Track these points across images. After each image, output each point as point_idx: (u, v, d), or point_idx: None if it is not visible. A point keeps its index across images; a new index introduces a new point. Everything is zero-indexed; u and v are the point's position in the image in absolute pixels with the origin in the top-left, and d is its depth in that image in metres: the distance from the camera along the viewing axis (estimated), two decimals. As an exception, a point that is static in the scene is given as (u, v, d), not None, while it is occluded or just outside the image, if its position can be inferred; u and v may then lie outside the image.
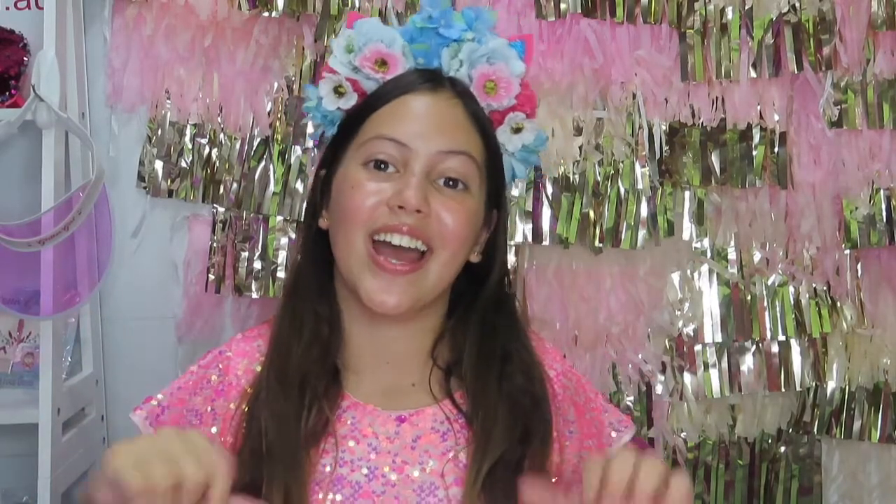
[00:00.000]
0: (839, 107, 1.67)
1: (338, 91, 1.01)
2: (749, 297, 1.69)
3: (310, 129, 1.67)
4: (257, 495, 0.89)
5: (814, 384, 1.70)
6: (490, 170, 1.00)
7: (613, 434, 1.05)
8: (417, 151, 0.95)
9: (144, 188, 1.71)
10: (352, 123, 1.00)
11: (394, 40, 1.00)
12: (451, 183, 0.96)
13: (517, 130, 1.03)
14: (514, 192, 1.66)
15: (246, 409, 0.96)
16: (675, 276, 1.70)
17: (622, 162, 1.67)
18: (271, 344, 0.99)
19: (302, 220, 1.10)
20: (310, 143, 1.68)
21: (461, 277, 1.01)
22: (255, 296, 1.69)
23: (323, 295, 1.01)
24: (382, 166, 0.96)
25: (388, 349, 1.01)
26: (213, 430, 0.97)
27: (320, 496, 0.92)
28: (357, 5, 1.65)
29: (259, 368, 0.99)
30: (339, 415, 0.96)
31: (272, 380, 0.95)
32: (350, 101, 1.01)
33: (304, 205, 1.09)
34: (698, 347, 1.70)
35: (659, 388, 1.69)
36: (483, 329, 1.01)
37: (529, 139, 1.04)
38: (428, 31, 1.00)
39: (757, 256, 1.70)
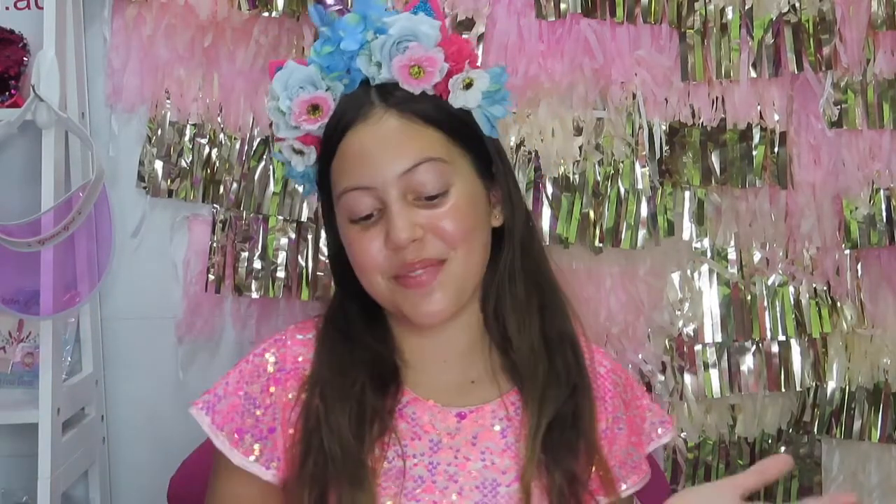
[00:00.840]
0: (839, 107, 1.67)
1: (297, 151, 1.00)
2: (749, 297, 1.69)
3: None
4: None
5: (814, 384, 1.70)
6: (462, 143, 0.97)
7: (659, 431, 1.07)
8: (382, 186, 0.93)
9: (144, 188, 1.71)
10: (322, 178, 1.00)
11: (312, 79, 0.96)
12: (432, 196, 0.94)
13: (468, 86, 0.97)
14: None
15: (304, 412, 0.96)
16: (675, 276, 1.70)
17: (622, 162, 1.67)
18: (320, 364, 0.99)
19: (329, 268, 1.11)
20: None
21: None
22: (255, 296, 1.69)
23: (369, 312, 1.02)
24: (366, 218, 0.95)
25: (443, 349, 1.01)
26: (273, 421, 0.97)
27: (384, 493, 0.93)
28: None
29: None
30: (400, 410, 0.97)
31: (329, 389, 0.95)
32: (312, 155, 1.00)
33: (328, 257, 1.11)
34: (698, 347, 1.70)
35: (659, 389, 1.69)
36: (515, 286, 1.00)
37: (485, 85, 0.97)
38: (333, 54, 0.96)
39: (757, 256, 1.70)
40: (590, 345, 1.06)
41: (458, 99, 0.97)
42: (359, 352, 0.98)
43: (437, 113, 0.96)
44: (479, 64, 1.00)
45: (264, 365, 0.99)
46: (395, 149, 0.94)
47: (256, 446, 0.96)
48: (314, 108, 0.97)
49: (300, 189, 1.66)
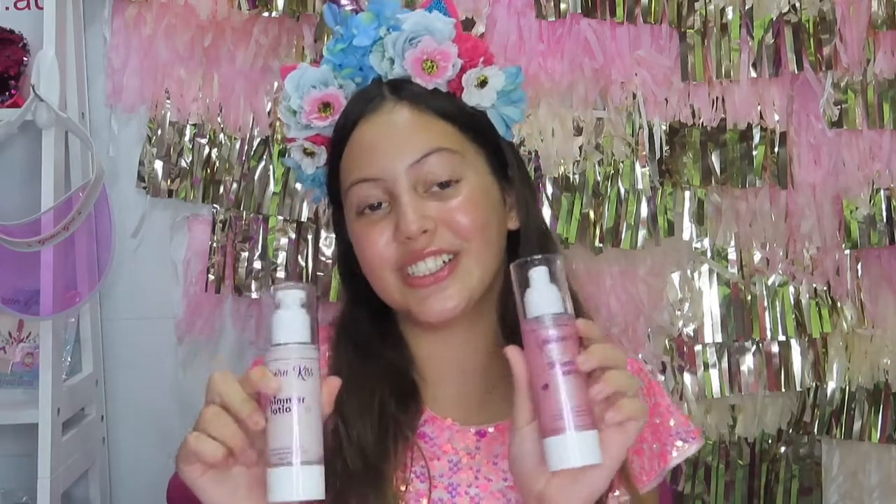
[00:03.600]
0: (839, 107, 1.67)
1: (308, 153, 0.99)
2: (749, 297, 1.69)
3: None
4: None
5: (814, 384, 1.70)
6: (476, 139, 0.95)
7: (679, 443, 1.00)
8: (392, 177, 0.91)
9: (144, 188, 1.71)
10: (331, 177, 0.98)
11: (324, 78, 0.95)
12: (444, 184, 0.91)
13: (482, 84, 0.95)
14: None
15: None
16: (675, 276, 1.70)
17: (622, 162, 1.67)
18: (341, 376, 0.93)
19: (339, 272, 1.08)
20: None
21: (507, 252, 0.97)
22: (254, 296, 1.69)
23: (382, 327, 0.99)
24: (370, 209, 0.92)
25: (459, 357, 0.98)
26: None
27: None
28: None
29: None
30: (419, 430, 0.94)
31: (347, 406, 0.91)
32: (323, 156, 0.98)
33: (337, 264, 1.10)
34: (698, 347, 1.70)
35: (659, 388, 1.69)
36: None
37: (500, 84, 0.95)
38: (345, 52, 0.95)
39: (757, 256, 1.70)
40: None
41: (473, 97, 0.95)
42: (374, 363, 0.95)
43: (449, 107, 0.94)
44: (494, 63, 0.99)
45: None
46: (404, 139, 0.92)
47: None
48: (325, 106, 0.96)
49: (303, 190, 1.66)
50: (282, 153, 1.68)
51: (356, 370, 0.93)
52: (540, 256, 0.79)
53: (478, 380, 0.97)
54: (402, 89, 0.94)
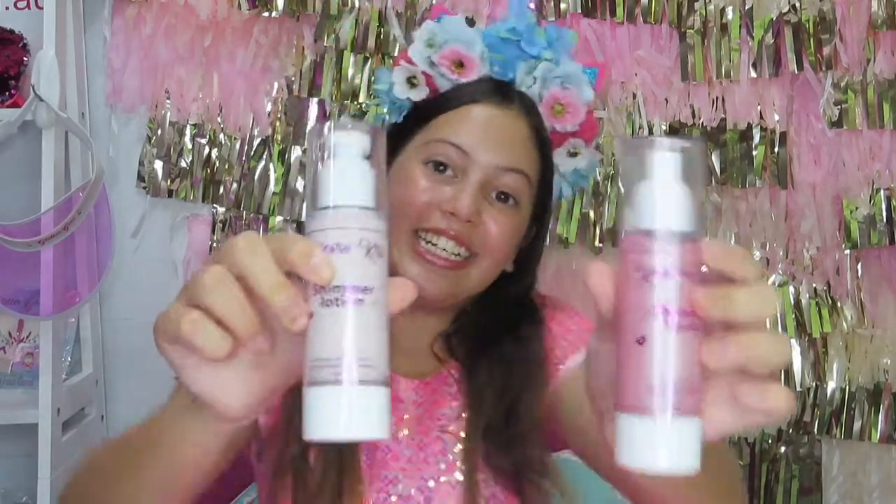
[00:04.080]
0: (839, 107, 1.67)
1: (411, 82, 1.02)
2: (749, 297, 1.69)
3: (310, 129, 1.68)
4: (307, 463, 0.90)
5: (814, 384, 1.70)
6: (541, 187, 1.01)
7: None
8: (477, 162, 0.95)
9: (144, 188, 1.71)
10: (419, 118, 1.01)
11: (474, 44, 1.00)
12: (502, 197, 0.97)
13: (573, 154, 1.04)
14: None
15: None
16: (676, 276, 1.70)
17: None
18: None
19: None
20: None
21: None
22: (255, 296, 1.69)
23: None
24: (441, 168, 0.96)
25: (415, 329, 1.01)
26: None
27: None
28: (357, 5, 1.65)
29: None
30: None
31: None
32: (421, 93, 1.02)
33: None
34: (698, 347, 1.69)
35: (659, 388, 1.69)
36: (495, 319, 1.01)
37: (583, 164, 1.05)
38: (509, 42, 1.00)
39: (757, 256, 1.70)
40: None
41: (560, 157, 1.04)
42: None
43: (548, 149, 1.02)
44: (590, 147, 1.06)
45: None
46: (509, 144, 0.97)
47: None
48: (460, 64, 1.00)
49: (303, 190, 1.66)
50: (281, 153, 1.68)
51: None
52: (677, 140, 0.51)
53: (421, 344, 1.01)
54: (532, 110, 1.01)
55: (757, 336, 0.48)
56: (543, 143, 1.01)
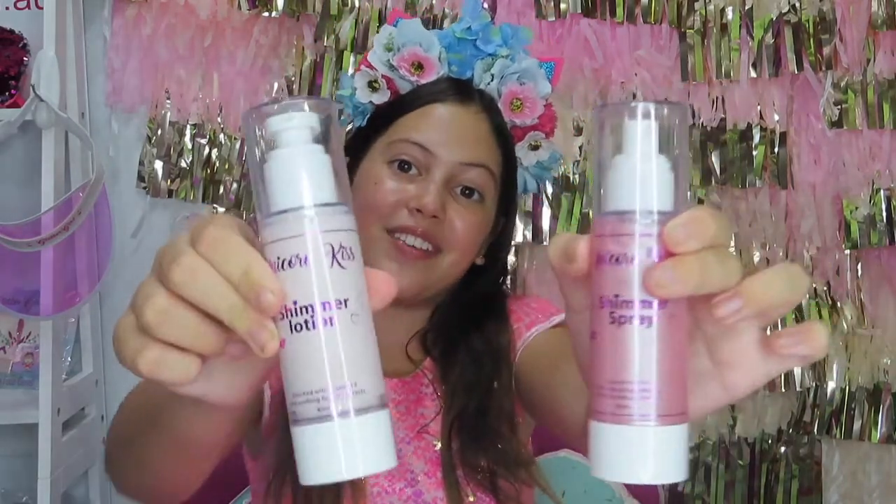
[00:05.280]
0: (839, 107, 1.67)
1: (372, 86, 1.04)
2: (749, 297, 1.69)
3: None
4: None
5: (814, 384, 1.70)
6: (505, 181, 1.04)
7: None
8: (440, 159, 0.98)
9: (144, 188, 1.71)
10: (381, 120, 1.03)
11: (432, 45, 1.02)
12: (467, 192, 0.99)
13: (535, 147, 1.06)
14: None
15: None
16: (675, 276, 1.70)
17: (622, 162, 1.67)
18: None
19: None
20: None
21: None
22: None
23: None
24: (405, 167, 0.99)
25: (388, 328, 1.00)
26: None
27: None
28: (357, 6, 1.65)
29: None
30: None
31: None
32: (383, 96, 1.04)
33: None
34: (698, 347, 1.69)
35: (659, 388, 1.69)
36: (464, 316, 1.02)
37: (545, 157, 1.07)
38: (465, 41, 1.03)
39: (757, 256, 1.70)
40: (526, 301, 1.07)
41: (521, 150, 1.06)
42: None
43: (510, 144, 1.04)
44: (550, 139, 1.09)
45: None
46: (471, 140, 1.00)
47: None
48: (419, 66, 1.02)
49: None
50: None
51: None
52: (658, 103, 0.45)
53: (393, 345, 1.02)
54: (492, 107, 1.03)
55: (759, 277, 0.46)
56: (505, 138, 1.03)
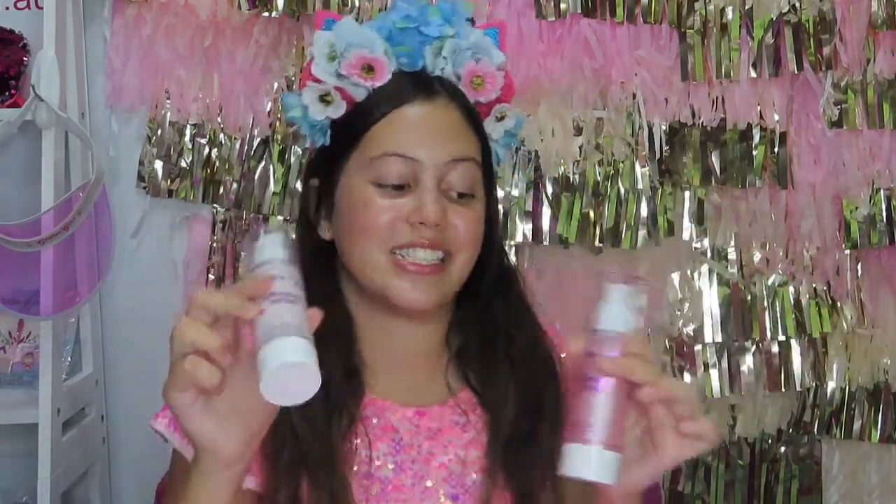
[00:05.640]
0: (839, 107, 1.67)
1: (324, 100, 0.97)
2: (749, 297, 1.69)
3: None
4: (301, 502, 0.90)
5: (814, 384, 1.70)
6: (486, 163, 1.00)
7: None
8: (425, 164, 0.93)
9: (144, 188, 1.71)
10: (348, 135, 0.97)
11: (375, 43, 0.96)
12: (460, 195, 0.95)
13: (501, 119, 1.02)
14: (515, 192, 1.66)
15: None
16: (675, 276, 1.70)
17: (622, 162, 1.67)
18: None
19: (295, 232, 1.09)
20: (310, 143, 1.68)
21: None
22: (255, 296, 1.69)
23: (331, 302, 0.97)
24: (393, 188, 0.94)
25: (405, 348, 1.00)
26: None
27: (354, 496, 0.92)
28: (357, 6, 1.65)
29: None
30: (362, 412, 0.96)
31: None
32: (339, 109, 0.97)
33: (301, 231, 1.05)
34: (698, 347, 1.70)
35: (659, 388, 1.69)
36: (487, 311, 1.01)
37: (511, 125, 1.03)
38: (408, 30, 0.97)
39: (757, 256, 1.70)
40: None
41: (489, 125, 1.01)
42: (324, 360, 0.97)
43: (481, 125, 1.01)
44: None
45: None
46: (451, 135, 0.96)
47: None
48: (369, 69, 0.96)
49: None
50: (282, 153, 1.69)
51: None
52: (631, 277, 0.80)
53: (419, 368, 1.00)
54: (457, 93, 0.98)
55: (670, 380, 0.77)
56: (476, 120, 0.99)
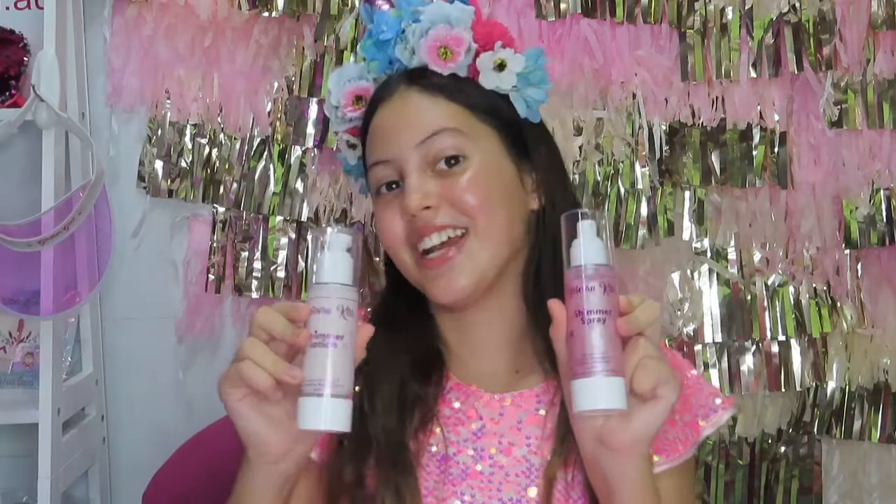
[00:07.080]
0: (839, 107, 1.67)
1: (350, 146, 1.07)
2: (749, 297, 1.69)
3: (309, 129, 1.68)
4: (363, 489, 0.91)
5: (814, 384, 1.70)
6: (489, 121, 0.97)
7: (710, 413, 1.00)
8: (400, 154, 0.95)
9: (144, 188, 1.71)
10: (365, 166, 1.03)
11: (359, 73, 1.02)
12: (451, 162, 0.94)
13: (500, 67, 0.97)
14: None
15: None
16: (675, 276, 1.70)
17: (622, 162, 1.67)
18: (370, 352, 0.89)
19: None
20: (310, 143, 1.68)
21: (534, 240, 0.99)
22: (255, 296, 1.69)
23: (413, 308, 1.03)
24: (387, 188, 0.98)
25: (476, 337, 1.01)
26: None
27: (427, 478, 0.93)
28: (357, 5, 1.65)
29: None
30: (443, 396, 0.97)
31: (372, 375, 0.93)
32: (360, 147, 1.04)
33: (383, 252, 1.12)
34: (698, 347, 1.70)
35: (659, 388, 1.69)
36: (543, 276, 0.98)
37: (519, 66, 0.97)
38: (376, 44, 1.01)
39: (757, 256, 1.70)
40: None
41: (490, 80, 0.98)
42: (401, 338, 0.99)
43: (458, 90, 0.97)
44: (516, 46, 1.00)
45: None
46: (412, 121, 0.96)
47: None
48: (358, 99, 1.02)
49: (303, 190, 1.66)
50: (282, 153, 1.69)
51: (383, 346, 0.93)
52: (588, 210, 0.81)
53: (506, 357, 1.00)
54: (415, 76, 0.98)
55: (639, 312, 0.81)
56: (446, 89, 0.97)
